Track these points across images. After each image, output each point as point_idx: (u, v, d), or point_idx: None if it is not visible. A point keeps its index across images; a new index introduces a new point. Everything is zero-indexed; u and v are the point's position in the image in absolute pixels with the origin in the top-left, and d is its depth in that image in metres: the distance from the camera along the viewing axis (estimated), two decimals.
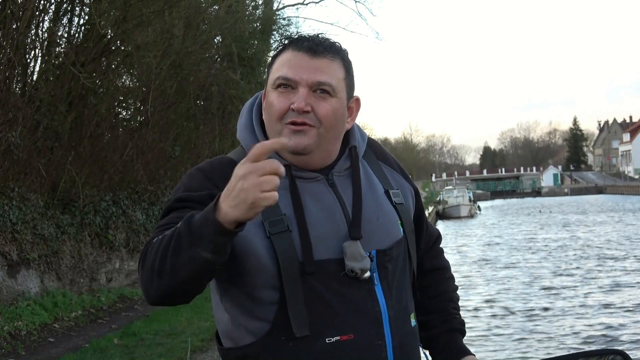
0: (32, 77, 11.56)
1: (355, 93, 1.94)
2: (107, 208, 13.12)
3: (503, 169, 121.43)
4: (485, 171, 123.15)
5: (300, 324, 1.73)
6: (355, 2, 24.55)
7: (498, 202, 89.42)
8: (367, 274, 1.79)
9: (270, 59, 1.91)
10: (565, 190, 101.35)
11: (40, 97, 11.02)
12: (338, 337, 1.75)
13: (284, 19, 22.30)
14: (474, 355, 2.04)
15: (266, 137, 1.87)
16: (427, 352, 2.04)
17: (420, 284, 2.02)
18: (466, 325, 2.13)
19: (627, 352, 1.93)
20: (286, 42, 1.88)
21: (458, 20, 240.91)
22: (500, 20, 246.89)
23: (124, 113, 15.55)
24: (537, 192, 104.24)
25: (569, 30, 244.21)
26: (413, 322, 1.91)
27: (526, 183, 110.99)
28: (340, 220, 1.82)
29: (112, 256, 13.25)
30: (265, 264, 1.74)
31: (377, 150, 2.05)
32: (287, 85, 1.81)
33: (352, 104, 1.93)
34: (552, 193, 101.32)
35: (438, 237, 2.20)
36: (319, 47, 1.83)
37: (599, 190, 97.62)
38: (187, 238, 1.55)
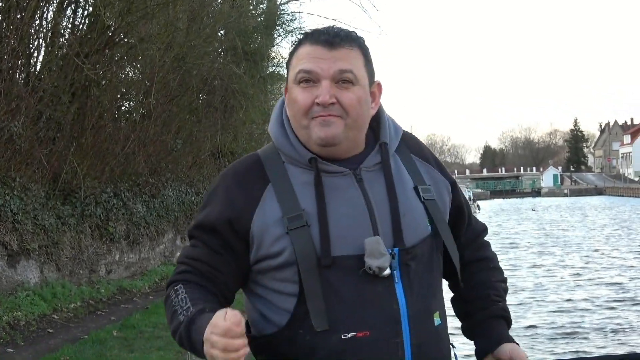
0: (36, 68, 11.52)
1: None
2: (108, 200, 13.11)
3: (503, 169, 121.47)
4: (485, 170, 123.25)
5: (320, 318, 1.74)
6: None
7: (497, 201, 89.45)
8: (387, 271, 1.77)
9: (288, 56, 1.91)
10: (565, 191, 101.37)
11: (44, 88, 10.98)
12: (354, 334, 1.75)
13: (287, 14, 22.31)
14: (517, 343, 1.96)
15: (293, 131, 1.88)
16: (456, 352, 1.97)
17: (462, 275, 2.00)
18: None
19: None
20: (302, 36, 1.88)
21: (460, 18, 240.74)
22: (503, 19, 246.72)
23: (127, 105, 15.51)
24: (536, 192, 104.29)
25: (572, 30, 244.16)
26: (437, 320, 1.86)
27: (526, 183, 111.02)
28: (364, 217, 1.81)
29: (112, 248, 13.24)
30: (285, 259, 1.77)
31: (412, 144, 2.02)
32: (309, 80, 1.81)
33: (375, 89, 1.93)
34: (551, 194, 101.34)
35: (483, 231, 2.15)
36: (335, 38, 1.83)
37: (598, 191, 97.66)
38: (188, 344, 1.73)
